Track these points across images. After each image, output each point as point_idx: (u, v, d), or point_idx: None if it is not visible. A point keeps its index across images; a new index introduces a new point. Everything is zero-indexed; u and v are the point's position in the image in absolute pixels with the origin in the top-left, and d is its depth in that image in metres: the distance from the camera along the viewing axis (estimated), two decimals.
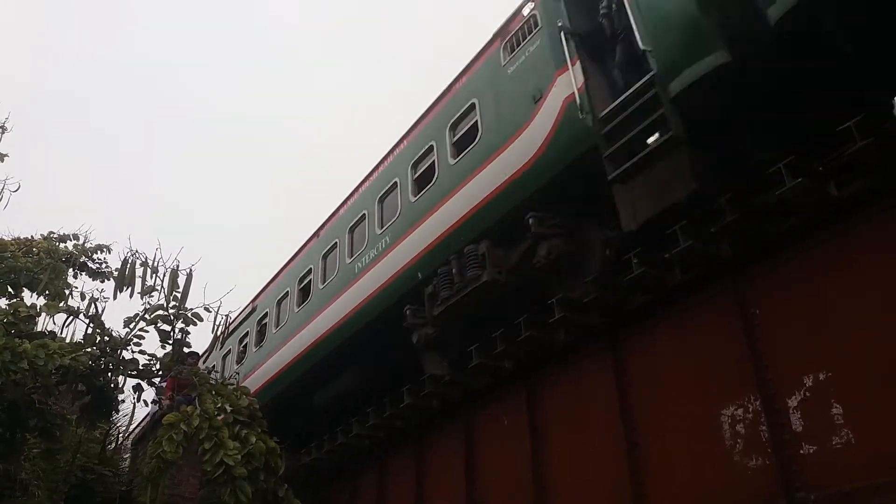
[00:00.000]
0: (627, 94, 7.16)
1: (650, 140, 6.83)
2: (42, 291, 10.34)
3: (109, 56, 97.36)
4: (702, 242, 6.90)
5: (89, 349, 9.26)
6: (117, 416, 11.14)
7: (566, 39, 8.32)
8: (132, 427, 14.26)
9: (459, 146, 10.29)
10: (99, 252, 11.55)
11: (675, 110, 6.64)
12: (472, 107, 10.22)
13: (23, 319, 9.18)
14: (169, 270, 9.73)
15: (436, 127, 11.11)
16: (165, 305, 9.53)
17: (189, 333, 9.77)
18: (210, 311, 9.72)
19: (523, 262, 8.58)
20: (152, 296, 9.72)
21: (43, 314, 9.66)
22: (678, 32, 6.84)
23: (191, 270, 9.85)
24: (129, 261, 10.03)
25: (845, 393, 5.69)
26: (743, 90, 6.59)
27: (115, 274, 10.46)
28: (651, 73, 6.90)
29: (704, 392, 6.80)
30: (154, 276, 9.80)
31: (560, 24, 8.49)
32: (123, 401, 10.14)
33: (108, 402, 9.80)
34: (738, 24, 6.43)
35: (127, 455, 14.39)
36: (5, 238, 10.96)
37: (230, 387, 9.46)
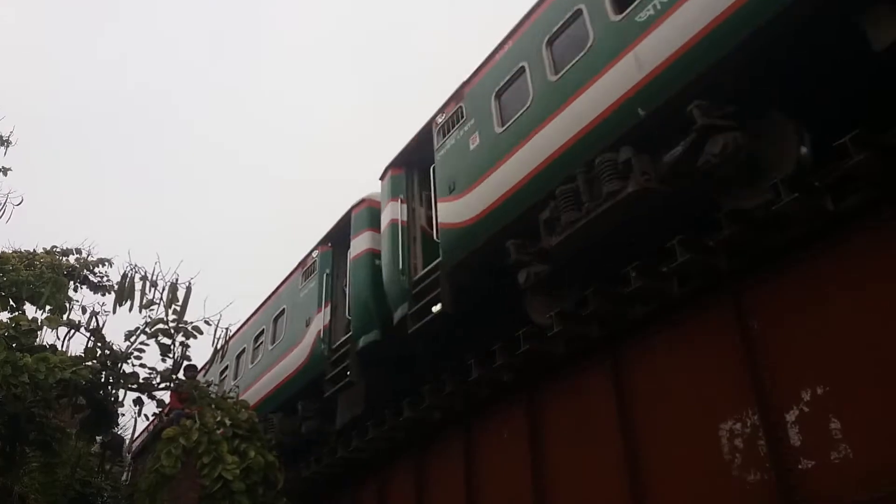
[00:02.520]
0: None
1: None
2: (43, 305, 10.38)
3: (110, 71, 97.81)
4: (700, 255, 6.90)
5: (90, 363, 9.30)
6: (118, 429, 11.13)
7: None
8: (132, 440, 14.25)
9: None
10: (100, 266, 11.62)
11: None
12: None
13: (24, 333, 9.22)
14: (168, 284, 9.76)
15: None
16: (165, 319, 9.56)
17: (189, 347, 9.81)
18: (210, 325, 9.76)
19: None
20: (152, 309, 9.75)
21: (44, 328, 9.70)
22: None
23: (190, 284, 9.90)
24: (129, 275, 10.07)
25: (844, 407, 5.66)
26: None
27: (116, 288, 10.49)
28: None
29: (703, 405, 6.79)
30: (153, 289, 9.83)
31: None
32: (124, 414, 10.16)
33: (108, 415, 9.81)
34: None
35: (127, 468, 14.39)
36: (7, 251, 11.02)
37: (229, 400, 9.47)
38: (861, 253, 5.98)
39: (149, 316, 9.81)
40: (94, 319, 9.97)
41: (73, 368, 8.79)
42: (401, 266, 10.55)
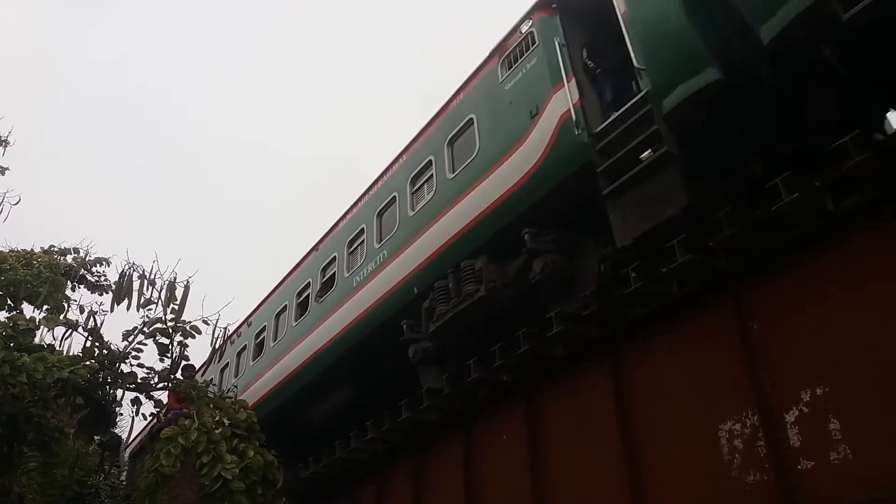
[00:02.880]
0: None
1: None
2: (41, 304, 10.35)
3: (110, 66, 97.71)
4: (700, 256, 6.91)
5: (88, 362, 9.27)
6: (116, 429, 11.12)
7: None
8: (130, 440, 14.20)
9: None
10: (98, 265, 11.58)
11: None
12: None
13: (22, 332, 9.20)
14: (166, 283, 9.74)
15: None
16: (163, 318, 9.54)
17: (188, 346, 9.79)
18: (208, 324, 9.74)
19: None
20: (150, 309, 9.73)
21: (42, 327, 9.68)
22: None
23: (188, 283, 9.87)
24: (127, 274, 10.04)
25: (843, 408, 5.67)
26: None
27: (114, 287, 10.47)
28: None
29: (703, 406, 6.79)
30: (151, 288, 9.81)
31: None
32: (122, 414, 10.15)
33: (106, 415, 9.78)
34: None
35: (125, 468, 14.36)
36: (5, 251, 10.99)
37: (228, 400, 9.45)
38: (861, 253, 5.98)
39: (147, 315, 9.79)
40: (91, 319, 9.96)
41: (71, 368, 8.77)
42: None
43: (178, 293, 9.79)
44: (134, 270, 10.09)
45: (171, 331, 9.57)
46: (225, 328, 10.05)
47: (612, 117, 7.60)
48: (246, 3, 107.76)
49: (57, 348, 9.64)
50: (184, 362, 9.90)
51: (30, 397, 8.80)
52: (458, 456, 9.85)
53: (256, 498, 8.23)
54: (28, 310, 10.47)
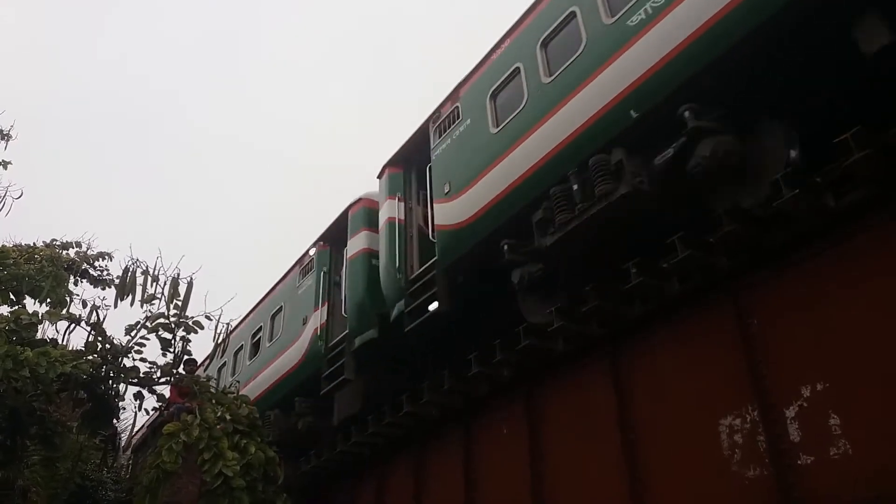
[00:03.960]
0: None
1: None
2: (44, 299, 10.40)
3: (111, 66, 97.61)
4: (700, 253, 6.91)
5: (90, 357, 9.32)
6: (118, 423, 11.16)
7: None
8: (132, 434, 14.24)
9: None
10: (100, 259, 11.62)
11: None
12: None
13: (24, 327, 9.25)
14: (170, 279, 9.77)
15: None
16: (166, 313, 9.56)
17: (190, 342, 9.83)
18: (211, 320, 9.78)
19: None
20: (153, 304, 9.76)
21: (45, 322, 9.71)
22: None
23: (191, 279, 9.91)
24: (130, 269, 10.07)
25: (843, 403, 5.68)
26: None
27: (117, 282, 10.50)
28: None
29: (703, 402, 6.80)
30: (154, 284, 9.84)
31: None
32: (124, 408, 10.18)
33: (108, 409, 9.83)
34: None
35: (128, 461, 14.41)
36: (8, 245, 11.02)
37: (230, 395, 9.48)
38: (861, 250, 5.98)
39: (149, 310, 9.83)
40: (94, 313, 9.99)
41: (74, 362, 8.80)
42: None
43: (181, 289, 9.82)
44: (137, 266, 10.12)
45: (173, 326, 9.61)
46: (227, 324, 10.09)
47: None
48: (247, 3, 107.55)
49: (60, 343, 9.68)
50: (186, 356, 9.93)
51: (33, 391, 8.84)
52: (459, 451, 9.88)
53: (257, 494, 8.27)
54: (31, 304, 10.52)
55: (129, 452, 15.98)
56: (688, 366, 7.08)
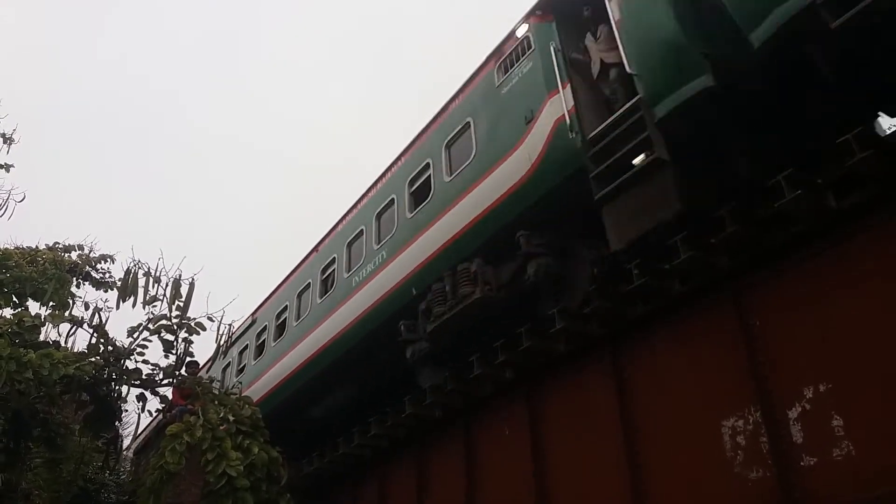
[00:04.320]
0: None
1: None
2: (47, 302, 10.42)
3: (111, 66, 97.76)
4: (702, 253, 6.92)
5: (93, 359, 9.32)
6: (121, 425, 11.18)
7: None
8: (135, 436, 14.27)
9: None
10: (103, 262, 11.65)
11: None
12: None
13: (27, 329, 9.26)
14: (171, 280, 9.77)
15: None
16: (168, 315, 9.57)
17: (192, 343, 9.83)
18: (213, 321, 9.78)
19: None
20: (155, 305, 9.76)
21: (47, 324, 9.72)
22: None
23: (193, 280, 9.91)
24: (132, 271, 10.08)
25: (846, 405, 5.68)
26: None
27: (119, 284, 10.51)
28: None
29: (705, 403, 6.80)
30: (156, 285, 9.85)
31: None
32: (127, 410, 10.20)
33: (111, 411, 9.84)
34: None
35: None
36: (10, 248, 11.04)
37: (233, 396, 9.49)
38: (862, 251, 5.98)
39: (152, 312, 9.83)
40: (97, 315, 10.00)
41: (77, 364, 8.81)
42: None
43: (183, 290, 9.82)
44: (139, 268, 10.13)
45: (175, 327, 9.61)
46: (229, 325, 10.09)
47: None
48: (247, 3, 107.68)
49: (62, 345, 9.69)
50: (188, 359, 9.93)
51: (35, 394, 8.86)
52: (460, 451, 9.89)
53: (261, 494, 8.27)
54: (34, 307, 10.55)
55: (131, 455, 15.98)
56: (689, 366, 7.08)
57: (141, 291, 10.00)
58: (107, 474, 11.49)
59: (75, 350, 9.60)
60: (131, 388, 9.88)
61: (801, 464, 5.84)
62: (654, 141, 6.92)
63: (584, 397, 8.22)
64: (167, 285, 9.83)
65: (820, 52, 6.00)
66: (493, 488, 9.14)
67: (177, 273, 9.91)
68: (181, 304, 9.75)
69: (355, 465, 12.52)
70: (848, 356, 5.79)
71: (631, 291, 7.50)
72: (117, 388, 9.80)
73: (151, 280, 9.91)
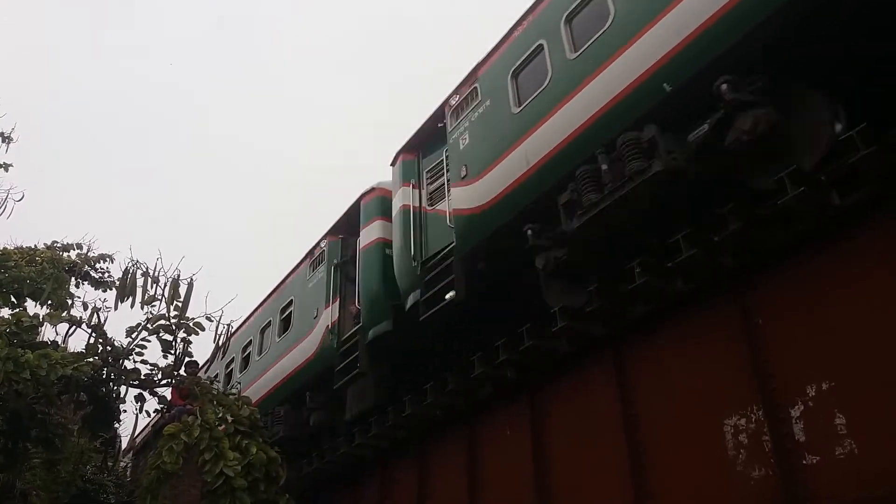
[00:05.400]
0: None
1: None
2: (45, 301, 10.38)
3: (113, 67, 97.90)
4: (704, 252, 6.87)
5: (91, 359, 9.27)
6: (119, 425, 11.13)
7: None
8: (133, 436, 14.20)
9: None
10: (101, 261, 11.60)
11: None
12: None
13: (25, 329, 9.22)
14: (170, 280, 9.73)
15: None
16: (167, 315, 9.53)
17: (191, 343, 9.79)
18: (212, 321, 9.74)
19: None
20: (153, 305, 9.72)
21: (45, 324, 9.68)
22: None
23: (191, 280, 9.87)
24: (130, 270, 10.03)
25: (848, 403, 5.64)
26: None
27: (117, 284, 10.47)
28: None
29: (707, 401, 6.76)
30: (155, 285, 9.80)
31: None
32: (125, 411, 10.14)
33: (109, 412, 9.79)
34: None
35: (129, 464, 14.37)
36: (9, 247, 11.01)
37: (231, 397, 9.45)
38: (866, 249, 5.95)
39: (150, 312, 9.78)
40: (95, 315, 9.94)
41: (75, 365, 8.77)
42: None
43: (182, 290, 9.78)
44: (137, 268, 10.08)
45: (174, 327, 9.57)
46: (228, 325, 10.05)
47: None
48: (245, 2, 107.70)
49: (60, 345, 9.65)
50: (187, 359, 9.89)
51: (33, 394, 8.81)
52: (462, 451, 9.84)
53: (259, 495, 8.22)
54: (31, 307, 10.50)
55: (130, 455, 15.93)
56: (692, 365, 7.04)
57: (139, 291, 9.96)
58: (105, 475, 11.43)
59: (73, 350, 9.56)
60: (130, 389, 9.83)
61: (804, 462, 5.80)
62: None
63: (585, 397, 8.18)
64: (165, 285, 9.80)
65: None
66: (495, 489, 9.10)
67: (175, 273, 9.88)
68: (179, 304, 9.71)
69: (356, 466, 12.47)
70: (850, 354, 5.75)
71: (633, 290, 7.45)
72: (116, 388, 9.75)
73: (150, 280, 9.87)
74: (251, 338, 16.00)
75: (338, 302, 12.39)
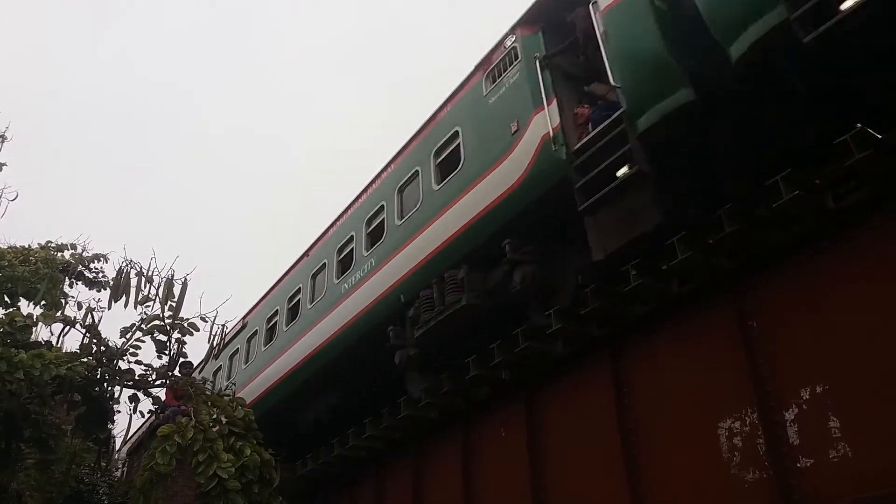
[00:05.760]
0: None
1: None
2: (39, 301, 10.33)
3: (108, 63, 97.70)
4: (700, 253, 6.87)
5: (85, 359, 9.23)
6: (113, 426, 11.08)
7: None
8: (127, 437, 14.17)
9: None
10: (96, 261, 11.54)
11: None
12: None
13: (19, 329, 9.18)
14: (164, 280, 9.68)
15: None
16: (161, 315, 9.48)
17: (185, 343, 9.75)
18: (206, 321, 9.69)
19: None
20: (148, 305, 9.67)
21: (39, 324, 9.64)
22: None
23: (186, 280, 9.81)
24: (124, 270, 9.99)
25: (843, 405, 5.65)
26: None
27: (111, 283, 10.42)
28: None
29: (703, 404, 6.77)
30: (149, 285, 9.76)
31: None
32: (119, 411, 10.09)
33: (103, 412, 9.74)
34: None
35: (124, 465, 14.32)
36: (3, 247, 10.96)
37: (226, 398, 9.41)
38: (861, 251, 5.97)
39: (144, 312, 9.74)
40: (89, 315, 9.89)
41: (69, 365, 8.72)
42: None
43: (176, 290, 9.74)
44: (131, 267, 10.03)
45: (168, 328, 9.52)
46: (223, 325, 10.01)
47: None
48: (245, 3, 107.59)
49: (54, 345, 9.60)
50: (182, 359, 9.85)
51: (27, 394, 8.75)
52: (458, 452, 9.84)
53: (252, 496, 8.18)
54: (25, 306, 10.45)
55: (124, 456, 15.89)
56: (688, 367, 7.04)
57: (133, 291, 9.91)
58: (98, 475, 11.39)
59: (67, 350, 9.52)
60: (124, 389, 9.78)
61: (798, 465, 5.82)
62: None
63: (582, 398, 8.18)
64: (159, 285, 9.75)
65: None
66: (491, 489, 9.09)
67: (169, 273, 9.83)
68: (174, 304, 9.66)
69: (351, 468, 12.45)
70: (846, 357, 5.77)
71: (630, 292, 7.45)
72: (110, 388, 9.70)
73: (143, 280, 9.82)
74: (383, 202, 12.29)
75: (555, 103, 8.71)
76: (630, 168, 7.06)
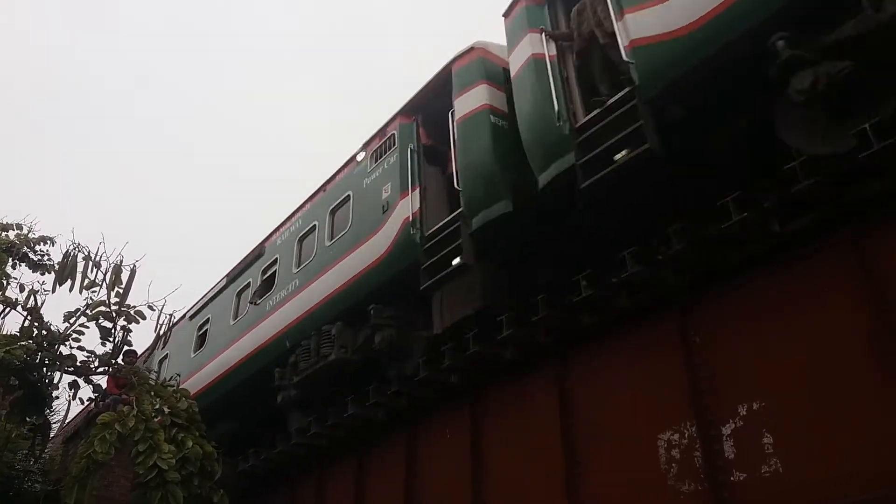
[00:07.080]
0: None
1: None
2: None
3: (87, 51, 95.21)
4: (649, 269, 7.04)
5: (25, 342, 8.97)
6: (51, 412, 10.77)
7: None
8: (64, 424, 13.78)
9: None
10: (42, 243, 11.18)
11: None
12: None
13: None
14: (112, 265, 9.48)
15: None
16: (107, 301, 9.28)
17: (131, 332, 9.56)
18: (154, 310, 9.52)
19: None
20: (94, 291, 9.45)
21: None
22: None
23: (134, 266, 9.62)
24: (71, 253, 9.74)
25: (776, 423, 5.85)
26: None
27: (57, 267, 10.15)
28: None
29: (644, 415, 6.92)
30: (96, 270, 9.54)
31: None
32: (58, 397, 9.83)
33: (41, 397, 9.47)
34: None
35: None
36: None
37: (169, 388, 9.26)
38: (801, 277, 6.18)
39: (90, 297, 9.51)
40: (32, 298, 9.62)
41: (7, 347, 8.49)
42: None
43: (124, 277, 9.54)
44: (79, 251, 9.79)
45: (114, 315, 9.32)
46: (170, 315, 9.84)
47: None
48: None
49: None
50: (126, 347, 9.65)
51: None
52: (401, 453, 9.87)
53: (192, 489, 8.07)
54: None
55: (60, 443, 15.46)
56: (632, 378, 7.20)
57: (79, 275, 9.67)
58: (32, 462, 11.07)
59: (7, 332, 9.25)
60: (64, 375, 9.53)
61: (732, 479, 6.00)
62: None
63: (527, 404, 8.29)
64: (107, 271, 9.54)
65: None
66: (433, 490, 9.14)
67: (118, 258, 9.62)
68: (121, 291, 9.47)
69: (293, 465, 12.35)
70: (781, 376, 5.98)
71: (579, 303, 7.59)
72: (49, 373, 9.44)
73: (91, 264, 9.59)
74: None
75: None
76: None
